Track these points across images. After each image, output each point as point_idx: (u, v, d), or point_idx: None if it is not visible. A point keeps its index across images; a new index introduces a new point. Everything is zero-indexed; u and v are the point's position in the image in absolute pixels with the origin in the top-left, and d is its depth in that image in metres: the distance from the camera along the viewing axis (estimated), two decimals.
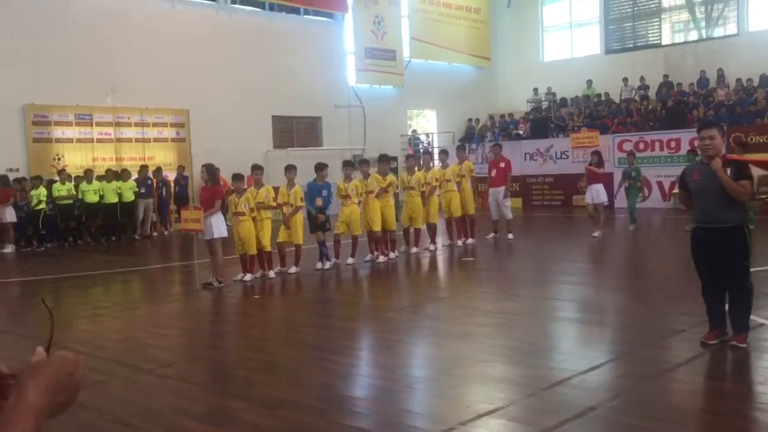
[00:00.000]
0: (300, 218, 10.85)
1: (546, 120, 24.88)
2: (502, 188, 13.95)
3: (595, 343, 6.45)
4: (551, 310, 8.03)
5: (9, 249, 15.84)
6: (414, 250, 12.62)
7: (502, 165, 14.10)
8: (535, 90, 26.88)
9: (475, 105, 27.44)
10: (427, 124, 28.11)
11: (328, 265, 11.08)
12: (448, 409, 4.83)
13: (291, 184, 10.86)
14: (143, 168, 18.30)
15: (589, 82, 25.80)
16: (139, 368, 6.03)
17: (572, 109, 25.61)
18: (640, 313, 7.55)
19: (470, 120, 27.27)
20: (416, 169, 13.28)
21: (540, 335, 6.81)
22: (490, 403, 4.74)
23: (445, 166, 13.72)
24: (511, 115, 26.93)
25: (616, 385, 5.14)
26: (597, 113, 24.02)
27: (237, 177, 10.43)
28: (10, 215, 15.92)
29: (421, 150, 23.07)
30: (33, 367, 1.22)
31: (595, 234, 13.50)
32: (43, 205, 16.11)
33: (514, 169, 15.15)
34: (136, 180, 17.90)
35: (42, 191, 16.18)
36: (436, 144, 26.23)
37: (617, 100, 24.44)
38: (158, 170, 18.56)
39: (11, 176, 16.56)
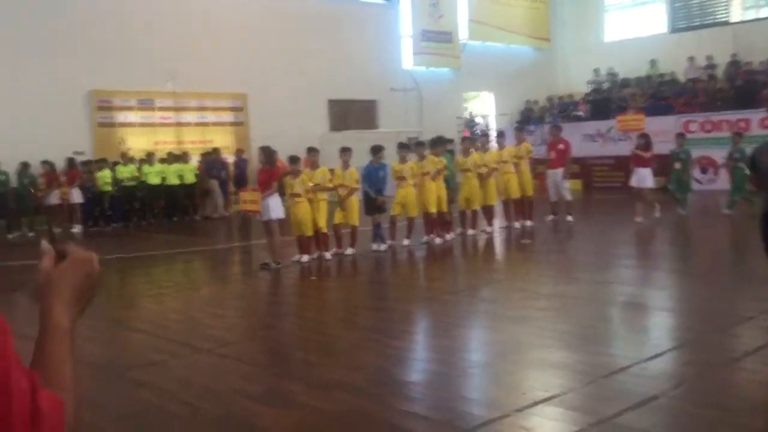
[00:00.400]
0: (355, 200, 10.86)
1: (607, 101, 24.24)
2: (561, 170, 13.68)
3: (658, 330, 6.27)
4: (611, 294, 7.84)
5: (77, 229, 16.38)
6: (471, 232, 12.51)
7: (561, 146, 13.81)
8: (596, 71, 26.18)
9: (533, 87, 26.94)
10: (483, 106, 27.75)
11: (383, 246, 11.08)
12: (504, 395, 4.76)
13: (346, 165, 10.88)
14: (215, 150, 18.63)
15: (653, 62, 24.99)
16: (198, 348, 6.14)
17: (634, 89, 24.85)
18: (706, 298, 7.29)
19: (528, 102, 26.81)
20: (472, 151, 13.12)
21: (599, 320, 6.64)
22: (547, 390, 4.65)
23: (501, 147, 13.52)
24: (570, 96, 26.35)
25: (679, 374, 4.98)
26: (660, 93, 23.26)
27: (293, 159, 10.49)
28: (77, 196, 16.45)
29: (479, 132, 22.81)
30: (52, 282, 1.16)
31: (638, 219, 12.78)
32: (108, 187, 16.58)
33: (573, 151, 14.78)
34: (206, 162, 18.19)
35: (107, 173, 16.65)
36: (493, 126, 25.90)
37: (682, 80, 23.62)
38: (209, 153, 18.86)
39: (78, 159, 17.09)
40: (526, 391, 4.74)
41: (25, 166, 16.03)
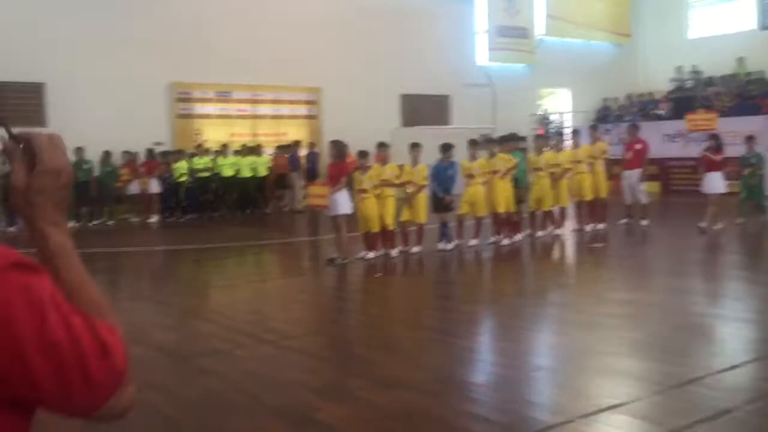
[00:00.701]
0: (423, 197, 10.80)
1: (690, 99, 23.35)
2: (637, 171, 13.23)
3: (735, 341, 5.98)
4: (687, 302, 7.53)
5: (154, 219, 16.94)
6: (540, 233, 12.27)
7: (639, 146, 13.36)
8: (679, 68, 25.26)
9: (612, 84, 26.21)
10: (559, 103, 27.20)
11: (450, 246, 10.98)
12: (569, 401, 4.64)
13: (415, 162, 10.82)
14: (296, 143, 18.94)
15: (741, 60, 23.91)
16: (263, 339, 6.23)
17: (720, 88, 23.86)
18: None
19: (606, 99, 26.12)
20: (546, 149, 12.85)
21: (672, 329, 6.38)
22: (614, 397, 4.50)
23: (577, 146, 13.18)
24: (650, 94, 25.52)
25: (756, 388, 4.74)
26: (748, 93, 22.25)
27: (362, 154, 10.49)
28: (154, 187, 17.00)
29: (553, 130, 22.37)
30: (35, 204, 1.08)
31: (702, 224, 12.07)
32: (184, 178, 17.06)
33: (652, 151, 14.28)
34: (288, 156, 18.56)
35: (183, 164, 17.13)
36: (568, 124, 25.37)
37: None
38: (290, 146, 19.11)
39: (157, 150, 17.66)
40: (591, 397, 4.61)
41: (107, 154, 16.67)
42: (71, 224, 15.94)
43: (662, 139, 21.29)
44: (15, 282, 0.91)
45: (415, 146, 10.91)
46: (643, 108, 24.92)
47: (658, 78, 26.00)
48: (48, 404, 0.96)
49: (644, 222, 13.06)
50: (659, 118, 23.14)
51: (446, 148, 11.16)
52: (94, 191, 16.57)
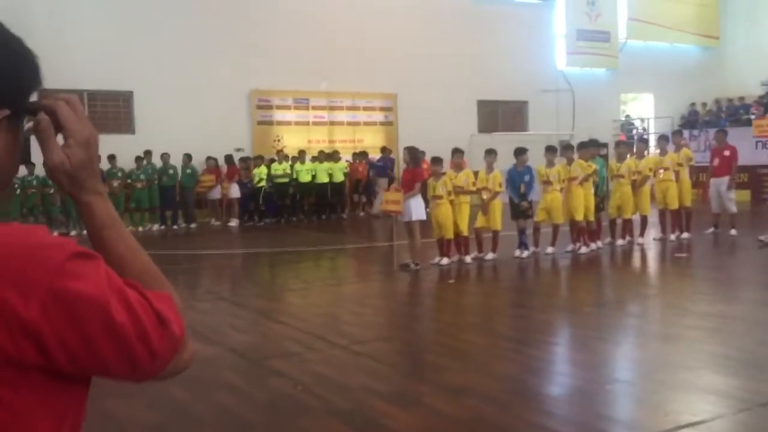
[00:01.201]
0: (498, 204, 10.64)
1: None
2: (726, 178, 12.65)
3: None
4: None
5: (234, 223, 17.40)
6: (620, 242, 11.89)
7: (727, 153, 12.77)
8: None
9: (698, 88, 25.22)
10: (642, 108, 26.37)
11: (526, 253, 10.79)
12: (645, 416, 4.46)
13: (490, 168, 10.69)
14: (385, 149, 19.13)
15: None
16: (334, 343, 6.27)
17: None
18: None
19: (693, 104, 25.16)
20: (628, 156, 12.47)
21: (759, 344, 6.05)
22: (693, 414, 4.30)
23: (664, 153, 12.70)
24: (741, 98, 24.41)
25: None
26: None
27: (435, 160, 10.45)
28: (234, 192, 17.47)
29: (635, 136, 21.69)
30: (75, 176, 1.07)
31: (762, 237, 11.27)
32: (263, 183, 17.44)
33: (742, 158, 13.64)
34: (377, 160, 18.77)
35: (263, 170, 17.52)
36: (652, 130, 24.57)
37: None
38: (363, 153, 19.26)
39: (238, 156, 18.14)
40: (669, 413, 4.41)
41: (188, 157, 17.20)
42: (156, 227, 16.64)
43: (753, 146, 20.32)
44: (72, 273, 0.93)
45: (489, 152, 10.80)
46: (733, 113, 23.87)
47: (748, 81, 24.83)
48: (116, 378, 1.01)
49: (732, 232, 12.47)
50: (750, 123, 22.09)
51: (519, 152, 10.99)
52: (178, 195, 17.16)
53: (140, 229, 16.51)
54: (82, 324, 0.93)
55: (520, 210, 10.80)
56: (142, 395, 5.01)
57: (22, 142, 1.11)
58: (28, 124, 1.11)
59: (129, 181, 16.60)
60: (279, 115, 19.52)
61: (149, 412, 4.70)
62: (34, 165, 15.22)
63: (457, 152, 10.67)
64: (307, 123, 19.85)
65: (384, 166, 18.69)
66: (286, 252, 12.74)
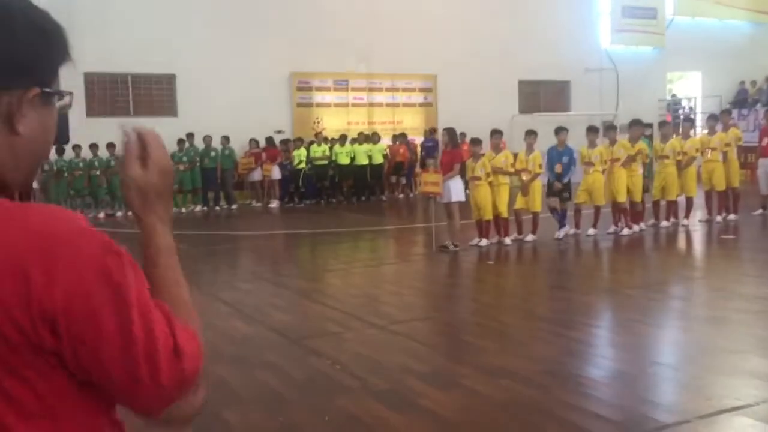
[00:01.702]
0: (538, 185, 10.51)
1: None
2: None
3: None
4: None
5: (274, 204, 17.57)
6: (664, 224, 11.65)
7: None
8: None
9: (750, 66, 24.41)
10: (690, 87, 25.68)
11: (562, 232, 10.64)
12: (687, 400, 4.38)
13: (530, 149, 10.55)
14: (433, 131, 18.99)
15: None
16: (372, 323, 6.30)
17: None
18: None
19: (743, 83, 24.40)
20: (673, 136, 12.18)
21: None
22: (738, 398, 4.21)
23: (712, 132, 12.35)
24: None
25: None
26: None
27: (474, 141, 10.36)
28: (275, 173, 17.61)
29: (681, 116, 21.16)
30: (147, 197, 1.10)
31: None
32: (303, 165, 17.54)
33: None
34: (426, 140, 18.71)
35: (302, 152, 17.60)
36: (699, 109, 23.95)
37: None
38: (403, 135, 19.19)
39: (278, 138, 18.26)
40: (712, 397, 4.32)
41: (226, 139, 17.36)
42: (198, 208, 16.88)
43: None
44: (103, 270, 0.93)
45: (529, 133, 10.66)
46: None
47: None
48: (115, 395, 0.98)
49: None
50: None
51: (558, 131, 10.83)
52: (219, 177, 17.36)
53: (183, 210, 16.78)
54: (99, 321, 0.91)
55: (553, 190, 10.63)
56: None
57: (56, 122, 1.11)
58: (61, 102, 1.12)
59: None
60: (318, 97, 19.56)
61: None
62: (80, 147, 15.56)
63: (495, 133, 10.55)
64: (346, 105, 19.86)
65: (434, 147, 18.58)
66: (325, 233, 12.81)
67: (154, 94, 18.17)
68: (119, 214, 15.99)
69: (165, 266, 1.09)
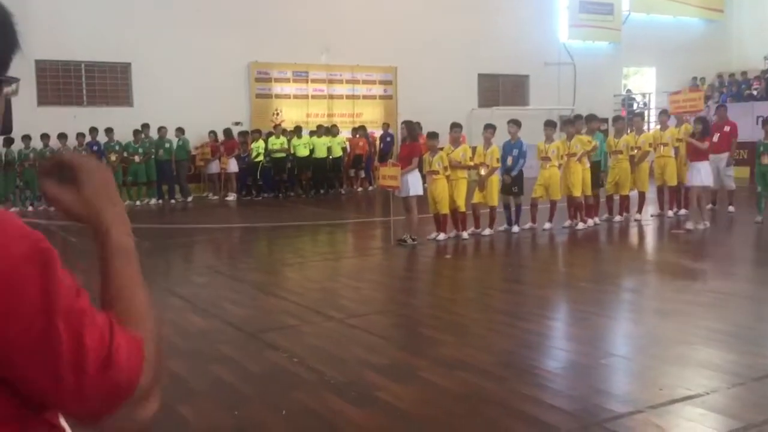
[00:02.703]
0: (495, 179, 10.59)
1: None
2: (725, 155, 12.58)
3: None
4: None
5: (231, 197, 17.37)
6: (618, 218, 11.87)
7: (727, 129, 12.70)
8: None
9: (702, 62, 25.00)
10: (644, 83, 26.19)
11: (515, 229, 10.76)
12: (639, 390, 4.46)
13: (488, 143, 10.61)
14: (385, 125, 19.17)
15: None
16: (330, 317, 6.28)
17: None
18: None
19: (695, 79, 24.97)
20: (627, 131, 12.39)
21: (757, 320, 6.07)
22: (688, 388, 4.30)
23: (664, 128, 12.60)
24: (744, 73, 24.22)
25: None
26: None
27: (431, 135, 10.34)
28: (233, 166, 17.41)
29: (635, 111, 21.56)
30: (92, 202, 1.07)
31: (689, 226, 10.91)
32: (261, 158, 17.36)
33: (742, 134, 13.55)
34: (385, 135, 18.69)
35: (260, 144, 17.43)
36: (653, 105, 24.45)
37: None
38: (362, 128, 19.16)
39: (236, 130, 18.03)
40: (663, 387, 4.41)
41: (180, 131, 17.07)
42: (153, 201, 16.58)
43: (753, 122, 20.19)
44: (29, 274, 0.90)
45: (487, 127, 10.71)
46: (735, 88, 23.72)
47: (752, 56, 24.66)
48: (41, 399, 0.95)
49: (730, 209, 12.45)
50: (753, 98, 21.97)
51: (509, 124, 10.88)
52: (174, 170, 17.06)
53: (138, 203, 16.48)
54: (21, 325, 0.89)
55: (504, 184, 10.70)
56: None
57: (3, 110, 1.08)
58: (7, 89, 1.08)
59: (126, 154, 16.51)
60: (278, 88, 19.38)
61: None
62: (30, 138, 15.14)
63: (455, 127, 10.57)
64: (306, 96, 19.72)
65: (391, 141, 18.60)
66: (283, 226, 12.72)
67: (108, 83, 17.78)
68: None
69: (118, 271, 1.06)
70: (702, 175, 10.84)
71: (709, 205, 12.70)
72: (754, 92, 22.63)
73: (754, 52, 24.67)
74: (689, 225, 11.00)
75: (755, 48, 24.74)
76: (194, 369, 4.93)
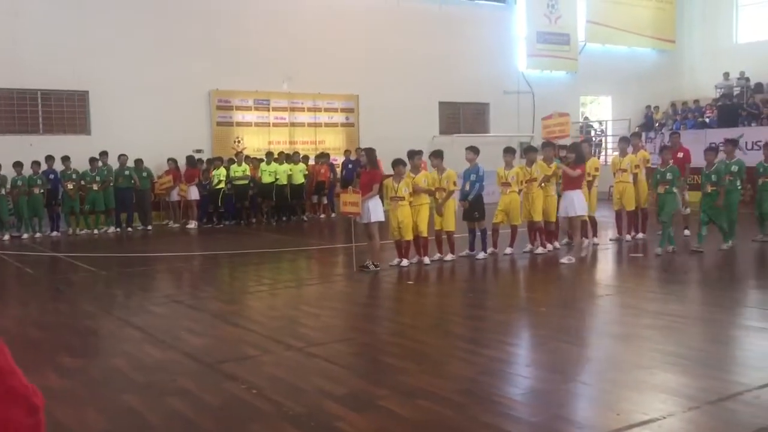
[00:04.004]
0: (452, 204, 10.66)
1: (737, 107, 22.77)
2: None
3: None
4: (729, 316, 7.27)
5: (192, 225, 17.16)
6: (589, 241, 11.99)
7: (680, 155, 13.02)
8: (726, 74, 24.66)
9: (656, 91, 25.72)
10: (601, 111, 26.77)
11: (481, 255, 10.82)
12: (597, 415, 4.49)
13: (441, 169, 10.65)
14: (347, 151, 19.33)
15: None
16: (290, 346, 6.20)
17: None
18: None
19: (649, 107, 25.63)
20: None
21: (712, 343, 6.17)
22: (645, 413, 4.34)
23: (623, 154, 12.86)
24: (696, 101, 24.95)
25: None
26: None
27: (397, 162, 10.42)
28: (193, 194, 17.23)
29: (594, 138, 21.98)
30: None
31: (564, 261, 10.42)
32: (222, 185, 17.22)
33: (695, 160, 13.90)
34: (349, 162, 18.69)
35: (222, 171, 17.30)
36: (610, 132, 24.98)
37: None
38: (325, 155, 19.17)
39: (197, 157, 17.89)
40: (621, 412, 4.44)
41: (140, 161, 16.90)
42: (112, 229, 16.28)
43: (708, 148, 20.72)
44: None
45: (435, 154, 10.81)
46: (688, 116, 24.39)
47: (704, 84, 25.45)
48: None
49: (686, 232, 12.72)
50: (706, 126, 22.60)
51: (467, 150, 10.92)
52: (134, 198, 16.82)
53: (96, 231, 16.18)
54: None
55: (464, 210, 10.81)
56: (92, 402, 4.90)
57: None
58: None
59: (83, 182, 16.23)
60: (239, 116, 19.32)
61: (99, 418, 4.58)
62: None
63: (416, 154, 10.66)
64: (267, 124, 19.69)
65: (355, 167, 18.61)
66: (245, 254, 12.60)
67: (65, 111, 17.51)
68: (25, 236, 15.29)
69: None
70: (576, 204, 10.31)
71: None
72: (707, 119, 23.28)
73: (706, 81, 25.46)
74: (565, 260, 10.41)
75: (706, 77, 25.53)
76: (150, 402, 4.82)
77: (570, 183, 10.37)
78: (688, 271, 10.37)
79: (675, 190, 10.94)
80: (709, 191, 11.18)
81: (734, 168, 11.61)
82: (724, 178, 11.27)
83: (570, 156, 10.49)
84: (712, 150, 11.81)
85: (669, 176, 11.03)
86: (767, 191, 12.02)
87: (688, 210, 12.96)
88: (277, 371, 5.49)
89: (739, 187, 11.68)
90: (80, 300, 8.77)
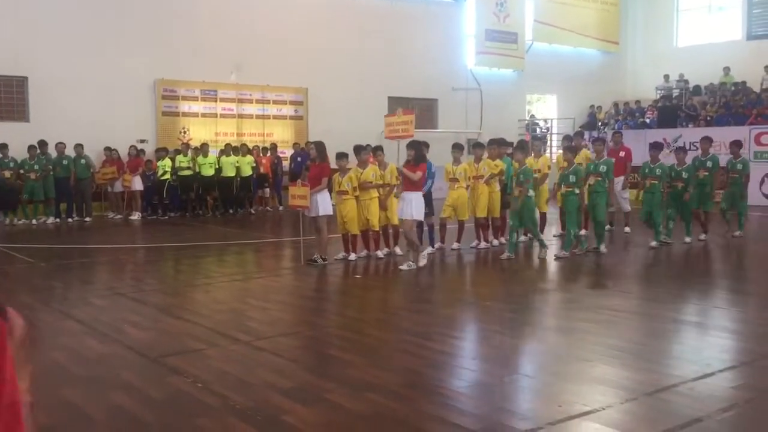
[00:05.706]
0: (394, 199, 10.71)
1: (676, 108, 23.52)
2: (621, 178, 13.23)
3: (712, 349, 5.96)
4: (667, 310, 7.50)
5: (136, 216, 16.82)
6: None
7: (622, 154, 13.39)
8: (666, 77, 25.45)
9: (599, 91, 26.35)
10: (547, 109, 27.28)
11: (429, 249, 10.92)
12: (539, 407, 4.60)
13: (383, 164, 10.65)
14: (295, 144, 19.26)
15: (727, 70, 24.11)
16: (236, 339, 6.16)
17: (705, 97, 24.05)
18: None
19: (592, 107, 26.22)
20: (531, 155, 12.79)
21: (650, 336, 6.37)
22: (585, 404, 4.47)
23: (478, 160, 12.98)
24: (638, 102, 25.67)
25: (729, 397, 4.71)
26: (734, 102, 22.41)
27: (340, 155, 10.38)
28: (137, 184, 16.88)
29: (535, 135, 22.37)
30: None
31: (403, 267, 9.68)
32: (167, 176, 16.93)
33: (636, 159, 14.30)
34: (297, 155, 18.51)
35: (167, 162, 17.01)
36: (555, 130, 25.47)
37: (757, 90, 22.69)
38: (273, 147, 19.05)
39: (141, 147, 17.52)
40: (562, 404, 4.56)
41: (80, 147, 16.44)
42: (51, 220, 15.83)
43: (648, 147, 21.31)
44: None
45: (376, 149, 10.84)
46: (630, 116, 25.05)
47: (645, 86, 26.20)
48: None
49: (626, 229, 13.07)
50: (645, 125, 23.26)
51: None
52: (73, 188, 16.39)
53: (34, 222, 15.72)
54: None
55: None
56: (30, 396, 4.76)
57: None
58: None
59: (22, 171, 15.72)
60: (185, 107, 19.00)
61: (38, 413, 4.45)
62: None
63: (362, 149, 10.66)
64: (215, 115, 19.42)
65: (304, 160, 18.48)
66: (190, 246, 12.41)
67: (3, 97, 16.92)
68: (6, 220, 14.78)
69: None
70: (413, 207, 9.53)
71: (606, 226, 13.22)
72: (647, 120, 23.97)
73: (647, 83, 26.21)
74: (404, 266, 9.71)
75: (648, 79, 26.29)
76: (91, 397, 4.72)
77: (410, 184, 9.54)
78: (628, 265, 10.67)
79: (577, 191, 11.00)
80: (648, 186, 11.75)
81: (658, 171, 11.93)
82: (695, 176, 12.12)
83: (410, 154, 9.61)
84: (737, 145, 12.85)
85: (603, 168, 11.10)
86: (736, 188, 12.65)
87: (613, 208, 13.26)
88: (223, 365, 5.44)
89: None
90: (17, 292, 8.51)
